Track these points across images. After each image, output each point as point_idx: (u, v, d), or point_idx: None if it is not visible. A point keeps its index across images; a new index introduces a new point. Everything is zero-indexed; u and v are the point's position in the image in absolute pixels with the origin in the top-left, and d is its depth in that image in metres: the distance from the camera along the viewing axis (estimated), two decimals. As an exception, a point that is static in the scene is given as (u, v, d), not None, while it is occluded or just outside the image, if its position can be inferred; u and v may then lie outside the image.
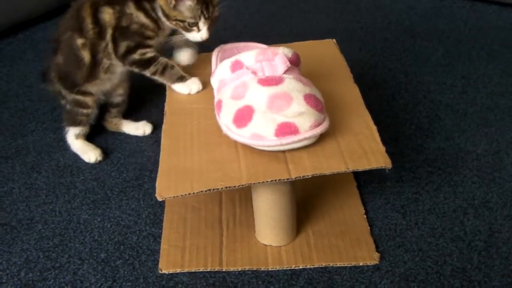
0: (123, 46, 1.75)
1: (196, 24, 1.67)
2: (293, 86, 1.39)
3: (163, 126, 1.53)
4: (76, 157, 1.92)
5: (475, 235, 1.59)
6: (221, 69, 1.50)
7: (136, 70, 1.80)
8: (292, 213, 1.52)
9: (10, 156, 1.95)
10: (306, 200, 1.69)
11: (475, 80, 2.22)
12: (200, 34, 1.68)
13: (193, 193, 1.30)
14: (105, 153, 1.94)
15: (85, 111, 1.91)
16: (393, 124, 1.98)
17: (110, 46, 1.78)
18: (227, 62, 1.49)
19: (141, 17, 1.72)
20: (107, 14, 1.76)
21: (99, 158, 1.90)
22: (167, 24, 1.72)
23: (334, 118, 1.46)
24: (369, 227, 1.61)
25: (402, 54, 2.41)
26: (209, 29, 1.69)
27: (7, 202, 1.77)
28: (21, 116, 2.15)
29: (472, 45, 2.46)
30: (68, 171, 1.88)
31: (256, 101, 1.37)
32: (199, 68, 1.75)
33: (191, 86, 1.69)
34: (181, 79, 1.71)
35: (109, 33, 1.76)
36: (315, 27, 2.65)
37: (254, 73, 1.43)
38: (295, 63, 1.49)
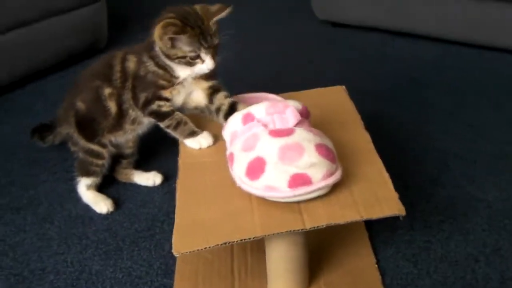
0: (142, 97, 1.77)
1: (198, 56, 1.67)
2: (303, 136, 1.40)
3: (177, 181, 1.55)
4: (88, 208, 1.93)
5: (486, 283, 1.58)
6: (232, 121, 1.52)
7: (153, 120, 1.82)
8: (305, 264, 1.52)
9: (22, 207, 1.96)
10: (318, 250, 1.68)
11: (483, 128, 2.23)
12: (205, 64, 1.68)
13: (209, 247, 1.30)
14: (117, 203, 1.95)
15: (100, 161, 1.93)
16: (403, 173, 1.98)
17: (129, 95, 1.81)
18: (239, 115, 1.50)
19: (152, 66, 1.74)
20: (132, 62, 1.79)
21: (111, 209, 1.91)
22: (170, 63, 1.72)
23: (347, 166, 1.47)
24: (380, 277, 1.61)
25: (410, 104, 2.42)
26: (213, 57, 1.68)
27: (19, 252, 1.78)
28: (33, 167, 2.17)
29: (479, 93, 2.47)
30: (80, 221, 1.89)
31: (267, 153, 1.38)
32: (212, 121, 1.77)
33: (201, 141, 1.71)
34: (192, 134, 1.72)
35: (129, 81, 1.79)
36: (324, 77, 2.67)
37: (265, 125, 1.45)
38: (305, 115, 1.50)
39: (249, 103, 1.64)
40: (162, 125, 1.80)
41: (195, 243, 1.32)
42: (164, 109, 1.77)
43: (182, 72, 1.73)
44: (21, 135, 2.34)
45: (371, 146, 1.59)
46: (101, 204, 1.92)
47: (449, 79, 2.60)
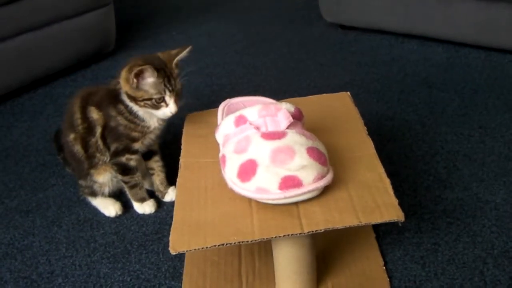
0: (113, 147, 1.82)
1: (163, 100, 1.70)
2: (295, 139, 1.41)
3: (177, 180, 1.55)
4: (96, 211, 1.94)
5: (495, 285, 1.57)
6: (225, 124, 1.52)
7: (114, 170, 1.87)
8: (312, 266, 1.52)
9: (31, 210, 1.97)
10: (326, 252, 1.68)
11: (492, 129, 2.22)
12: (169, 108, 1.72)
13: (206, 247, 1.30)
14: (125, 207, 1.95)
15: (101, 187, 1.95)
16: (411, 175, 1.98)
17: (100, 143, 1.84)
18: (231, 117, 1.50)
19: (123, 120, 1.78)
20: (95, 114, 1.82)
21: (119, 212, 1.92)
22: (137, 110, 1.76)
23: (347, 171, 1.47)
24: (388, 279, 1.60)
25: (418, 105, 2.42)
26: (176, 102, 1.72)
27: (27, 255, 1.78)
28: (42, 171, 2.18)
29: (488, 94, 2.46)
30: (88, 225, 1.89)
31: (259, 155, 1.39)
32: (209, 123, 1.78)
33: (145, 207, 1.90)
34: (142, 200, 1.89)
35: (98, 131, 1.82)
36: (333, 80, 2.67)
37: (257, 128, 1.45)
38: (298, 117, 1.50)
39: (242, 107, 1.64)
40: (121, 178, 1.88)
41: (193, 243, 1.32)
42: (131, 163, 1.85)
43: (152, 121, 1.79)
44: (32, 138, 2.36)
45: (373, 151, 1.58)
46: (110, 208, 1.93)
47: (459, 81, 2.59)
